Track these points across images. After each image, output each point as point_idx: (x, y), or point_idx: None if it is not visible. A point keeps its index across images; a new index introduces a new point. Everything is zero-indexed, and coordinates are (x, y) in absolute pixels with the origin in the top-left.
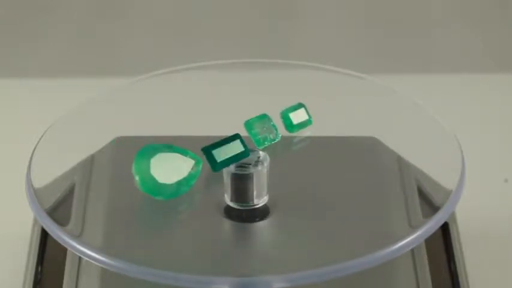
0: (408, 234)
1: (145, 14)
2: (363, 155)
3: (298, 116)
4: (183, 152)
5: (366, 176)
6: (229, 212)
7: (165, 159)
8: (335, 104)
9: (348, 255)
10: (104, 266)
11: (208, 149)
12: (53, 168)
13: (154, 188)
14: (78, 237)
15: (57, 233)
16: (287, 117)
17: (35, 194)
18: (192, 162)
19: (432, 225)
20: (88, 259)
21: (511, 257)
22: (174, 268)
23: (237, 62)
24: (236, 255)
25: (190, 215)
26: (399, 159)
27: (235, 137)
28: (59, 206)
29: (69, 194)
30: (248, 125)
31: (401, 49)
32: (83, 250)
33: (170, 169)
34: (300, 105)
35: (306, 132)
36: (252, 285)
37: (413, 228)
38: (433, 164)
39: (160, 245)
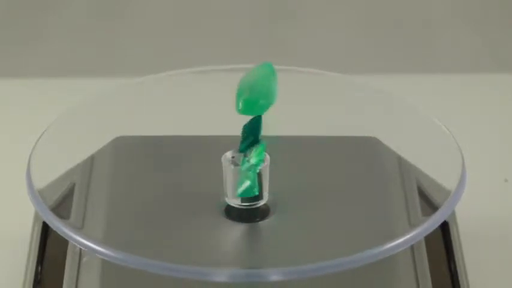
0: (408, 232)
1: (146, 15)
2: (363, 155)
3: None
4: None
5: (366, 176)
6: (229, 212)
7: None
8: (335, 104)
9: (347, 251)
10: (105, 258)
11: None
12: (52, 168)
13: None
14: (80, 229)
15: (59, 226)
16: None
17: (36, 190)
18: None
19: (432, 223)
20: (90, 250)
21: (511, 257)
22: (173, 261)
23: (236, 68)
24: (236, 253)
25: (190, 214)
26: (399, 159)
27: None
28: (59, 206)
29: (69, 194)
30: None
31: (401, 49)
32: (84, 242)
33: None
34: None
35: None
36: (250, 277)
37: (413, 226)
38: (433, 164)
39: (159, 243)
